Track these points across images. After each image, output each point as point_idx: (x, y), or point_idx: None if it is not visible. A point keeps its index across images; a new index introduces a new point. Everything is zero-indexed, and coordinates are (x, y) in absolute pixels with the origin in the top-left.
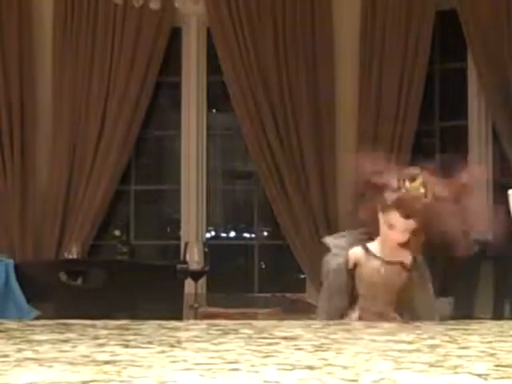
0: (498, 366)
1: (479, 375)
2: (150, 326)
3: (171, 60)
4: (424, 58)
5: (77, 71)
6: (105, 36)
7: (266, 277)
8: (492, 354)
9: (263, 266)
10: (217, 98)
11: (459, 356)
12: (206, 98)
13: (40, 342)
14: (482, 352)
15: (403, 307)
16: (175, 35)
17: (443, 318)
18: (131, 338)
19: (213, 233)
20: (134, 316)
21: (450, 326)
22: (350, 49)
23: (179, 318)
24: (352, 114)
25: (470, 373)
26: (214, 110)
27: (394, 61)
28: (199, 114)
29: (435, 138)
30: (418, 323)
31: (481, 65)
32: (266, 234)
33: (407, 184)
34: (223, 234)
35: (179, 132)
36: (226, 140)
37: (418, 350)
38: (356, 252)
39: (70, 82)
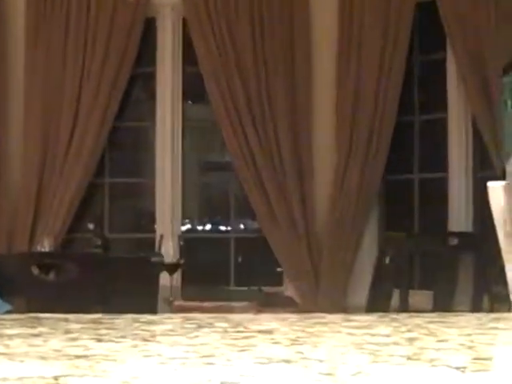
0: (476, 358)
1: (457, 368)
2: (123, 320)
3: (146, 51)
4: (403, 49)
5: (49, 62)
6: (78, 26)
7: (242, 270)
8: (470, 347)
9: (239, 260)
10: (192, 89)
11: (437, 349)
12: (181, 89)
13: (10, 337)
14: (461, 345)
15: None
16: (150, 25)
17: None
18: (104, 332)
19: (188, 225)
20: (107, 310)
21: (428, 319)
22: (327, 39)
23: (154, 311)
24: (330, 107)
25: (447, 366)
26: (189, 102)
27: (372, 52)
28: (174, 105)
29: (414, 130)
30: (395, 315)
31: (460, 56)
32: (242, 226)
33: None
34: (199, 227)
35: (154, 124)
36: (201, 132)
37: (395, 343)
38: None
39: (43, 73)
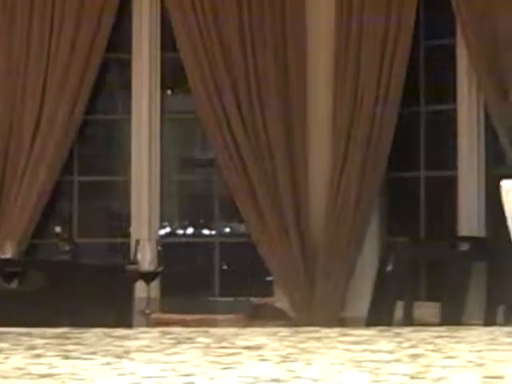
0: (486, 377)
1: None
2: (93, 335)
3: (120, 34)
4: (408, 32)
5: (12, 48)
6: (44, 5)
7: (227, 279)
8: (480, 364)
9: (225, 267)
10: (172, 77)
11: (444, 367)
12: (159, 78)
13: None
14: (470, 362)
15: None
16: (125, 6)
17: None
18: (72, 348)
19: (167, 229)
20: (75, 323)
21: (435, 334)
22: (324, 24)
23: (128, 325)
24: (325, 98)
25: None
26: (168, 91)
27: (373, 37)
28: (152, 95)
29: (420, 123)
30: (398, 329)
31: (471, 42)
32: (228, 230)
33: None
34: (179, 231)
35: (129, 116)
36: (182, 125)
37: (397, 361)
38: None
39: (4, 60)
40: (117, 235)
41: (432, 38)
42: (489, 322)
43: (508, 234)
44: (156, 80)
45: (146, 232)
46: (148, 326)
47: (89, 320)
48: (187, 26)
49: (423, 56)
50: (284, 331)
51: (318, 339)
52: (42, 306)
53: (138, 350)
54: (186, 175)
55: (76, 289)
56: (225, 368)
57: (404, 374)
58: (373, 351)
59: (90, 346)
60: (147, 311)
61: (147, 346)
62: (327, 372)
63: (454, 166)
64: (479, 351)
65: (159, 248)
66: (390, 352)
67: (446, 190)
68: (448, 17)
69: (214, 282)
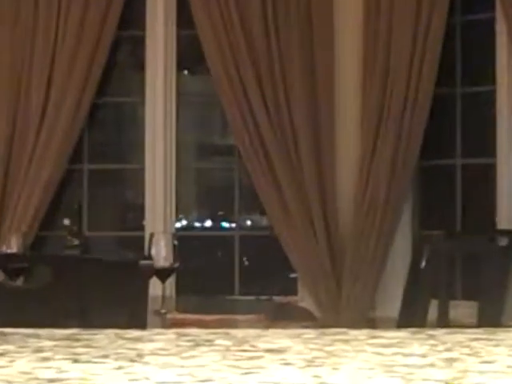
0: None
1: None
2: (105, 337)
3: (133, 10)
4: (443, 7)
5: (18, 27)
6: None
7: (248, 276)
8: None
9: (246, 263)
10: (189, 56)
11: (481, 372)
12: (175, 57)
13: None
14: (510, 367)
15: None
16: None
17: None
18: (82, 350)
19: (184, 222)
20: (85, 324)
21: (471, 336)
22: (352, 1)
23: (142, 326)
24: (354, 80)
25: None
26: (185, 72)
27: (405, 14)
28: (167, 75)
29: (456, 106)
30: (432, 331)
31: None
32: (249, 223)
33: None
34: (197, 224)
35: (143, 98)
36: (200, 108)
37: (431, 365)
38: None
39: (9, 39)
40: (129, 228)
41: (469, 12)
42: None
43: None
44: (172, 59)
45: (161, 225)
46: (163, 326)
47: (99, 320)
48: (205, 1)
49: (459, 33)
50: (309, 333)
51: (346, 342)
52: (50, 304)
53: (153, 353)
54: (203, 163)
55: (86, 286)
56: (245, 373)
57: (438, 380)
58: (404, 355)
59: (100, 348)
60: (162, 311)
61: (162, 349)
62: (355, 377)
63: (493, 153)
64: None
65: (175, 242)
66: (423, 356)
67: (484, 179)
68: None
69: (234, 280)
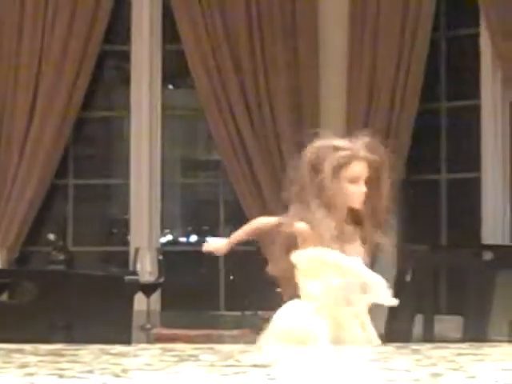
0: None
1: None
2: (89, 352)
3: (118, 25)
4: (427, 22)
5: (2, 40)
6: None
7: (234, 291)
8: None
9: (231, 278)
10: (174, 70)
11: None
12: (161, 71)
13: None
14: (495, 382)
15: None
16: None
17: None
18: (67, 366)
19: (169, 237)
20: (70, 339)
21: (456, 351)
22: (337, 12)
23: (127, 341)
24: (339, 96)
25: None
26: (170, 86)
27: (390, 27)
28: (153, 90)
29: (440, 120)
30: (417, 346)
31: (496, 31)
32: None
33: None
34: (182, 239)
35: (128, 113)
36: (185, 122)
37: (416, 380)
38: None
39: None
40: (114, 243)
41: (453, 27)
42: None
43: None
44: (157, 74)
45: (146, 240)
46: (148, 342)
47: (84, 336)
48: (191, 16)
49: (444, 48)
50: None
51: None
52: (34, 320)
53: (138, 369)
54: (189, 178)
55: (70, 301)
56: None
57: None
58: (390, 369)
59: (85, 364)
60: (147, 326)
61: (147, 364)
62: None
63: (478, 168)
64: (505, 370)
65: (160, 257)
66: (408, 371)
67: (469, 194)
68: (470, 4)
69: (219, 295)
